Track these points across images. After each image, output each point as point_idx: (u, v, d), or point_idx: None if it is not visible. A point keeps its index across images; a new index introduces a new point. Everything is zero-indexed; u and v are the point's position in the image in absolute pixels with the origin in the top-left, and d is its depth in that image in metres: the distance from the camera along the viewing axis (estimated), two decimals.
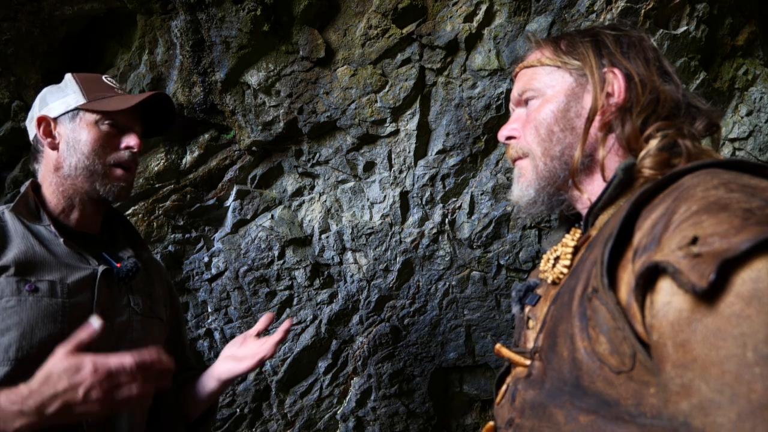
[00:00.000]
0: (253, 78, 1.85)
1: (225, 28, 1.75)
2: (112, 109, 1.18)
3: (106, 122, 1.19)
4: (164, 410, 1.30)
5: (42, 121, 1.19)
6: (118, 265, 1.18)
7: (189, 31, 1.78)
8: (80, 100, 1.19)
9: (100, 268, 1.14)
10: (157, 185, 1.95)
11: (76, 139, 1.17)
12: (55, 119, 1.19)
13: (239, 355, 1.27)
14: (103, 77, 1.28)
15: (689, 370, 0.48)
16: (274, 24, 1.78)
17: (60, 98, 1.21)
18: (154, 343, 1.25)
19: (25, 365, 0.99)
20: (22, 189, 1.17)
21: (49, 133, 1.19)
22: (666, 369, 0.51)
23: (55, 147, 1.18)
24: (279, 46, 1.83)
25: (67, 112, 1.19)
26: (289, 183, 2.06)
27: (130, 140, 1.21)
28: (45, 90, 1.25)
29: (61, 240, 1.12)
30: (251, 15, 1.72)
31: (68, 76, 1.23)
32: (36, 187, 1.20)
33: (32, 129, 1.22)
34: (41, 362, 0.95)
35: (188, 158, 1.98)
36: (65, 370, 0.85)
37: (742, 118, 1.94)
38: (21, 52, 1.72)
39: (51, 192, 1.19)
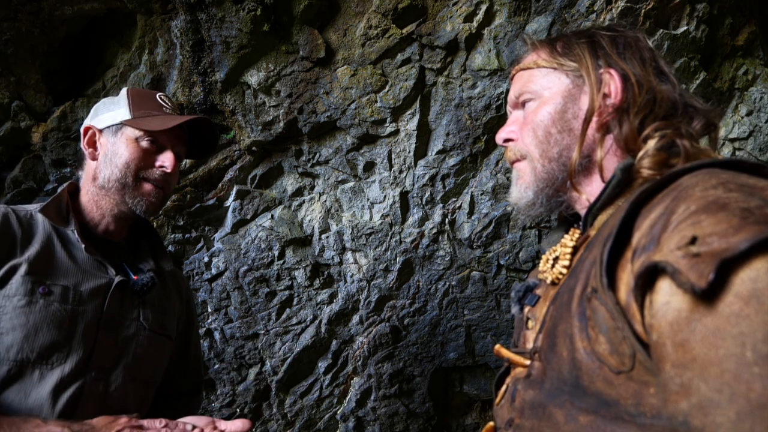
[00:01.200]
0: (253, 78, 1.85)
1: (225, 28, 1.75)
2: (152, 129, 1.18)
3: (147, 139, 1.19)
4: None
5: (88, 130, 1.22)
6: (135, 277, 1.19)
7: (189, 31, 1.78)
8: (126, 116, 1.20)
9: (117, 279, 1.15)
10: None
11: (114, 152, 1.18)
12: (100, 130, 1.21)
13: None
14: (158, 95, 1.28)
15: (688, 369, 0.48)
16: (274, 24, 1.78)
17: (110, 111, 1.22)
18: (158, 359, 1.25)
19: (23, 367, 1.00)
20: (59, 190, 1.19)
21: (92, 144, 1.21)
22: (665, 369, 0.51)
23: (95, 158, 1.21)
24: (279, 46, 1.83)
25: (113, 125, 1.20)
26: (289, 183, 2.06)
27: (165, 160, 1.20)
28: (102, 100, 1.27)
29: (83, 246, 1.13)
30: (251, 15, 1.72)
31: (123, 91, 1.25)
32: (74, 191, 1.23)
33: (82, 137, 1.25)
34: (39, 365, 0.97)
35: None
36: None
37: (742, 118, 1.94)
38: (21, 52, 1.72)
39: (87, 200, 1.21)
